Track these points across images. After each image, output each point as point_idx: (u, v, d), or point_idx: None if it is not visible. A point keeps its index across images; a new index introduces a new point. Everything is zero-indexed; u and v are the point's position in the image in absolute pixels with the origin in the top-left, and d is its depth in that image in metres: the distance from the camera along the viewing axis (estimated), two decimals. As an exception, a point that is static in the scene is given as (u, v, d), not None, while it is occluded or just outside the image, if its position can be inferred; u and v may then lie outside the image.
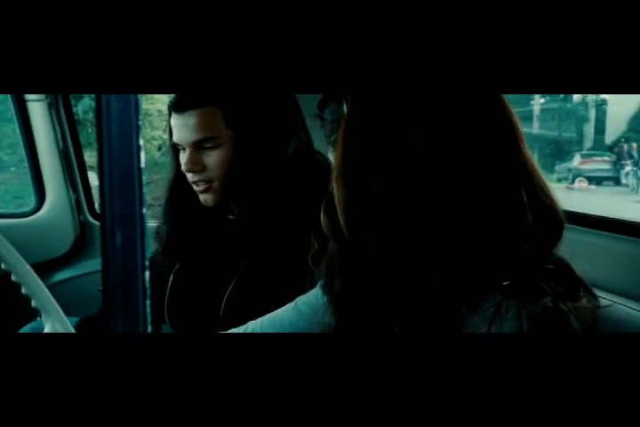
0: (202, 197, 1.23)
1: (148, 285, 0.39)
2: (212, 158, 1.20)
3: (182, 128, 1.19)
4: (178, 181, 1.26)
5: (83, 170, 1.96)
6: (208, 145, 1.19)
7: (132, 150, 0.38)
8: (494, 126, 0.65)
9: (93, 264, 1.92)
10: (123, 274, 0.38)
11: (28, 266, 0.88)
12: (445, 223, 0.63)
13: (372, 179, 0.64)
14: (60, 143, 1.89)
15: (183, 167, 1.20)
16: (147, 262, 0.39)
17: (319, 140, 1.69)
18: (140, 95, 0.39)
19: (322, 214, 0.70)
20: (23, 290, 0.88)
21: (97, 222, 1.99)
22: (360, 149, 0.66)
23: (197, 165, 1.19)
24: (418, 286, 0.64)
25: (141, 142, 0.38)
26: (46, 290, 0.89)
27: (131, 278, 0.39)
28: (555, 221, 0.65)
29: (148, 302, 0.40)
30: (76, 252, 1.96)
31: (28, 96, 1.86)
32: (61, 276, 1.94)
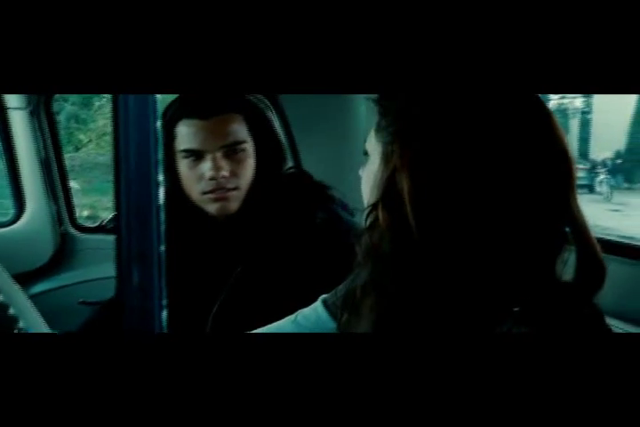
0: (218, 205, 1.21)
1: (165, 324, 0.38)
2: (239, 164, 1.21)
3: (209, 133, 1.20)
4: (176, 192, 1.23)
5: (64, 180, 1.93)
6: (237, 150, 1.21)
7: (151, 186, 0.37)
8: (555, 172, 0.65)
9: (73, 276, 1.89)
10: (140, 313, 0.37)
11: (7, 274, 0.85)
12: (491, 249, 0.63)
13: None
14: (42, 153, 1.86)
15: (209, 173, 1.18)
16: (164, 301, 0.38)
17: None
18: (159, 129, 0.38)
19: (380, 209, 0.67)
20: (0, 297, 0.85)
21: (78, 233, 1.95)
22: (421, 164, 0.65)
23: (225, 171, 1.19)
24: (455, 296, 0.64)
25: (161, 178, 0.38)
26: (25, 297, 0.86)
27: (148, 317, 0.38)
28: (597, 267, 0.65)
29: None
30: (56, 263, 1.92)
31: (9, 103, 1.82)
32: (41, 287, 1.90)
